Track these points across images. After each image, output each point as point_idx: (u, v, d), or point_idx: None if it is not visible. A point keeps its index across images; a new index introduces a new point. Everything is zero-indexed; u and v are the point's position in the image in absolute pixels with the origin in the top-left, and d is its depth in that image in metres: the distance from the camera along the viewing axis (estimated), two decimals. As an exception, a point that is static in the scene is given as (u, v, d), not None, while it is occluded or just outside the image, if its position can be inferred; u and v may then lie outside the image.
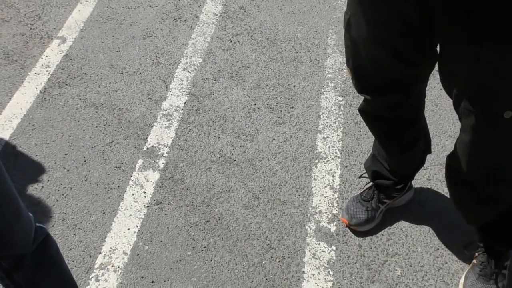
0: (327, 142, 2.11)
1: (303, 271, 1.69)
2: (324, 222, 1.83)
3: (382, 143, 1.68)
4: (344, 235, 1.79)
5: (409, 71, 1.37)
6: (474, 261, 1.64)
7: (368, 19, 1.28)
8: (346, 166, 2.02)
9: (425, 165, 2.03)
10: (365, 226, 1.78)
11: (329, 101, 2.29)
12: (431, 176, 2.00)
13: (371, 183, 1.83)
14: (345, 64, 1.54)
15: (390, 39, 1.28)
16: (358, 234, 1.79)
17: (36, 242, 1.13)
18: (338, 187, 1.94)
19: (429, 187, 1.95)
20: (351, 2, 1.31)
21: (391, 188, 1.78)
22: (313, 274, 1.68)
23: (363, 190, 1.84)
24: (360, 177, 1.90)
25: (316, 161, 2.04)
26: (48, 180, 1.93)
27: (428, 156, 2.05)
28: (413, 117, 1.59)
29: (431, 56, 1.31)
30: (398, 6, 1.19)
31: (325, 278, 1.67)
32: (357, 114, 2.23)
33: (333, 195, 1.91)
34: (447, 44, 1.21)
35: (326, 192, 1.92)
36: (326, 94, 2.32)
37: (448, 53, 1.22)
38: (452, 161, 1.47)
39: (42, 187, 1.90)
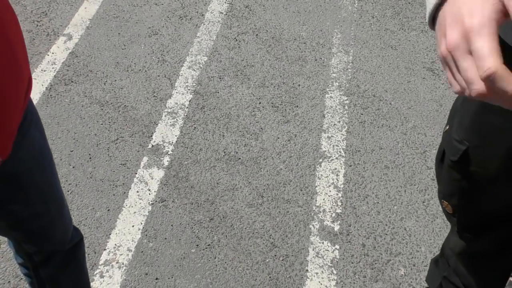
0: (331, 141, 2.11)
1: (307, 270, 1.69)
2: (328, 221, 1.83)
3: (487, 283, 1.31)
4: (348, 234, 1.79)
5: None
6: None
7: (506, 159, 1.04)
8: (350, 165, 2.02)
9: (429, 165, 2.03)
10: None
11: (334, 101, 2.29)
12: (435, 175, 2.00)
13: None
14: (439, 197, 1.21)
15: None
16: (361, 233, 1.79)
17: (71, 243, 1.14)
18: (342, 186, 1.94)
19: (433, 186, 1.95)
20: (472, 133, 1.05)
21: None
22: (317, 273, 1.68)
23: None
24: None
25: (320, 160, 2.04)
26: (54, 177, 1.94)
27: (433, 156, 2.05)
28: None
29: None
30: None
31: (328, 277, 1.67)
32: (362, 114, 2.23)
33: (337, 194, 1.91)
34: None
35: (330, 191, 1.93)
36: (331, 93, 2.33)
37: None
38: None
39: (48, 183, 1.91)
